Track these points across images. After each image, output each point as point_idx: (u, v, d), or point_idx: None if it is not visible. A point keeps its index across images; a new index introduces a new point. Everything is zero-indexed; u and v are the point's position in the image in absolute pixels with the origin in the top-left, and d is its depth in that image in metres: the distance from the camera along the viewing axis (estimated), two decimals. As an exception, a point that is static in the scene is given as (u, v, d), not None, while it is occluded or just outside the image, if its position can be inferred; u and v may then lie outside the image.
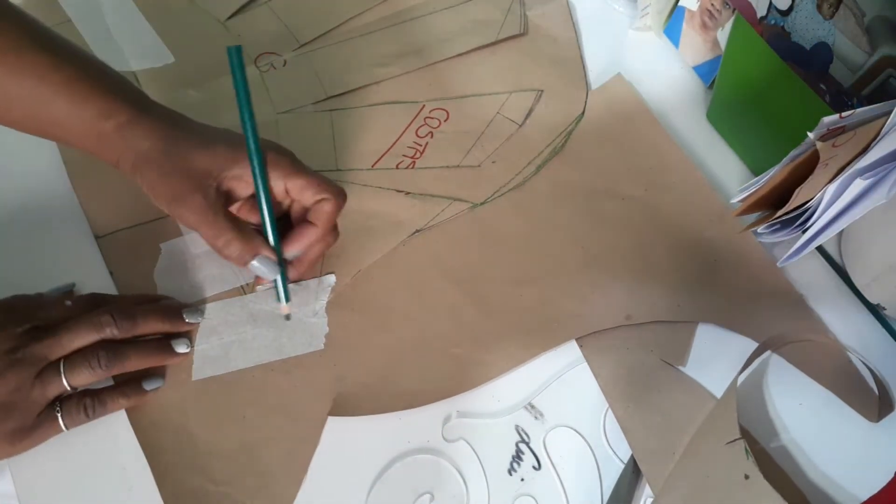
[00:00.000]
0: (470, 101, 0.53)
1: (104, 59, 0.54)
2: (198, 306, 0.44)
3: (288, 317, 0.44)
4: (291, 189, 0.41)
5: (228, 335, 0.43)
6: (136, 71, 0.53)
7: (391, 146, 0.51)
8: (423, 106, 0.52)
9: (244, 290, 0.45)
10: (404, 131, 0.51)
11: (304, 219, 0.43)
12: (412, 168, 0.50)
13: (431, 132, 0.51)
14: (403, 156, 0.50)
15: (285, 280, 0.42)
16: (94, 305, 0.41)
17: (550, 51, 0.55)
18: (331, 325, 0.44)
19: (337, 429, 0.41)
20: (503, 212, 0.48)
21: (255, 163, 0.40)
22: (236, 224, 0.40)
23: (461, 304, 0.44)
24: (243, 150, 0.40)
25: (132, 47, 0.54)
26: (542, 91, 0.53)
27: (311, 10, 0.57)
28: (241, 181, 0.41)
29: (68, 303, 0.41)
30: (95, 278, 0.45)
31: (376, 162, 0.50)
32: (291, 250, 0.42)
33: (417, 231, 0.47)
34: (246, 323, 0.44)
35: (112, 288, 0.45)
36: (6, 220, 0.48)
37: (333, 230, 0.43)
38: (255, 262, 0.41)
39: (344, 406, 0.41)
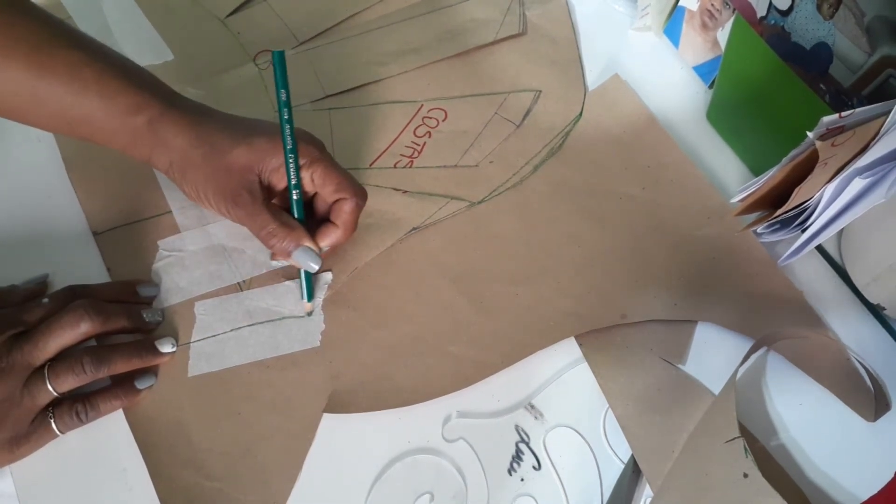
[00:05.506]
0: (468, 101, 0.52)
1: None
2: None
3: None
4: (315, 179, 0.42)
5: (224, 332, 0.43)
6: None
7: (389, 145, 0.50)
8: (422, 105, 0.52)
9: (240, 286, 0.45)
10: (402, 131, 0.51)
11: (326, 215, 0.43)
12: (410, 167, 0.49)
13: (429, 132, 0.51)
14: (401, 155, 0.50)
15: (310, 278, 0.44)
16: (72, 299, 0.41)
17: (549, 51, 0.55)
18: (327, 323, 0.44)
19: (337, 429, 0.40)
20: (500, 211, 0.48)
21: (290, 160, 0.41)
22: (279, 215, 0.41)
23: (457, 302, 0.44)
24: (280, 141, 0.41)
25: (131, 44, 0.54)
26: (540, 91, 0.53)
27: (310, 8, 0.57)
28: (280, 172, 0.41)
29: (45, 300, 0.40)
30: (93, 275, 0.45)
31: (374, 161, 0.50)
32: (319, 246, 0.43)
33: (414, 229, 0.47)
34: (242, 320, 0.44)
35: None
36: (4, 217, 0.47)
37: (354, 228, 0.44)
38: (297, 253, 0.42)
39: (339, 403, 0.41)
